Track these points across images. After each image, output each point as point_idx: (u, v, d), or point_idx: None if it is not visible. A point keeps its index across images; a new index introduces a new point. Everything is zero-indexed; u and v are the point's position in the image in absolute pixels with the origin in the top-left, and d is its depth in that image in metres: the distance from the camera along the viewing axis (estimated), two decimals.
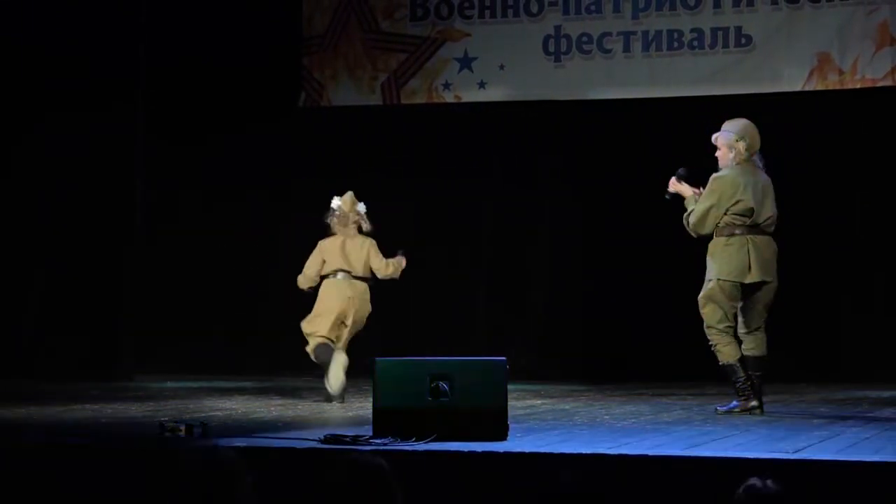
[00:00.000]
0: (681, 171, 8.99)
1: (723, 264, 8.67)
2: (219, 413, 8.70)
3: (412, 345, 11.09)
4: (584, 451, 6.20)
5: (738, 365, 8.65)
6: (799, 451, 6.27)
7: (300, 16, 13.02)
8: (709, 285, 8.70)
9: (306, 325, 10.17)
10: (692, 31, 12.12)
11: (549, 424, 7.85)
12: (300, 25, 13.03)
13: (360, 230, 10.24)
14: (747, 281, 8.66)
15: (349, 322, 10.08)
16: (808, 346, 12.21)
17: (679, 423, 8.03)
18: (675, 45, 12.15)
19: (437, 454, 6.19)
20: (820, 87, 11.80)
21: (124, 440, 6.70)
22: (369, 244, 10.20)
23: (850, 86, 11.73)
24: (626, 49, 12.27)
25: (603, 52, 12.32)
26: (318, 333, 10.05)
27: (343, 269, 10.13)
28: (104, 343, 12.28)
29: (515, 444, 6.53)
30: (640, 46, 12.23)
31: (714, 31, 12.07)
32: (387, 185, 12.21)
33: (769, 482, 4.09)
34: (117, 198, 12.42)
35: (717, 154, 8.86)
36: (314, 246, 10.26)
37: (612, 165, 12.45)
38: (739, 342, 8.73)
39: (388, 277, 10.24)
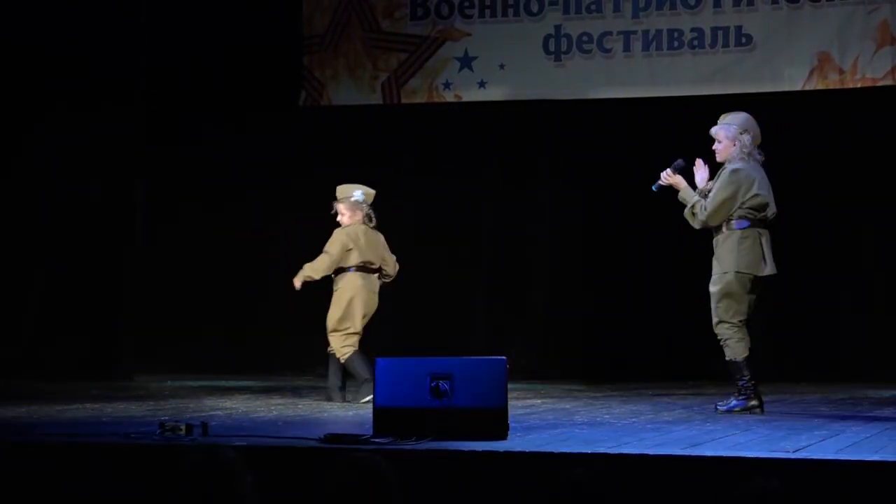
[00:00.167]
0: (678, 162, 8.91)
1: (740, 257, 8.58)
2: (219, 413, 8.69)
3: (412, 345, 11.09)
4: (584, 451, 6.19)
5: (745, 363, 8.56)
6: (799, 450, 6.26)
7: (300, 15, 13.01)
8: (725, 278, 8.58)
9: (338, 324, 9.92)
10: (692, 30, 12.11)
11: (549, 424, 7.84)
12: (300, 25, 13.01)
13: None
14: (762, 274, 8.60)
15: (368, 318, 10.05)
16: (808, 345, 12.22)
17: (679, 422, 8.02)
18: (676, 44, 12.14)
19: (437, 454, 6.18)
20: (820, 87, 11.78)
21: (124, 440, 6.69)
22: (384, 239, 10.17)
23: (850, 85, 11.72)
24: (627, 48, 12.26)
25: (603, 52, 12.31)
26: (352, 331, 9.89)
27: (370, 261, 10.05)
28: (104, 343, 12.29)
29: (516, 443, 6.53)
30: (641, 46, 12.22)
31: (714, 30, 12.06)
32: (387, 185, 12.15)
33: (770, 481, 4.10)
34: (117, 198, 12.42)
35: (716, 147, 8.78)
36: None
37: (613, 165, 12.44)
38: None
39: (392, 276, 10.21)
